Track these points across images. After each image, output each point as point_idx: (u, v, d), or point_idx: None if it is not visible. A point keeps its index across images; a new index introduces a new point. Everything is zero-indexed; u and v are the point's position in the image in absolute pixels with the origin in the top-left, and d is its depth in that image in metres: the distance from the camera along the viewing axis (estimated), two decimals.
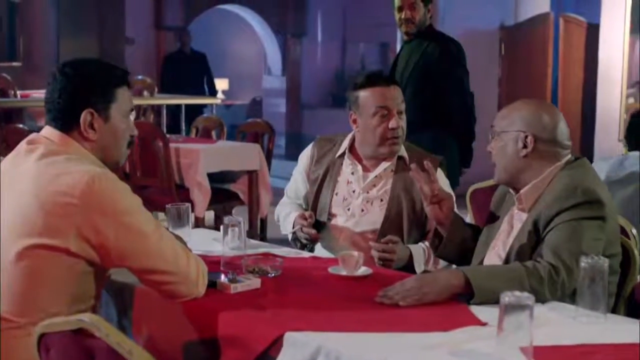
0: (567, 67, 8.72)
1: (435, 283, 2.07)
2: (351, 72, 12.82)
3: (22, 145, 2.07)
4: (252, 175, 5.81)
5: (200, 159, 5.47)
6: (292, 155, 10.91)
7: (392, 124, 2.84)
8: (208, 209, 5.54)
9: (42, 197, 1.92)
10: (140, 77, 8.51)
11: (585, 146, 8.03)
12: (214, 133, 6.66)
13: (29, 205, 1.93)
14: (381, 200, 2.90)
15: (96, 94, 2.06)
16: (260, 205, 5.94)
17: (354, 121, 2.94)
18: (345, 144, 2.99)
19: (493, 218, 2.52)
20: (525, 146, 2.29)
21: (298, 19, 12.38)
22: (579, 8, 9.28)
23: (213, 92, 9.87)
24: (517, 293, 1.62)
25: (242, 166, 5.82)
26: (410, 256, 2.76)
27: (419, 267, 2.78)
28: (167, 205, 2.56)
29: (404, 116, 2.90)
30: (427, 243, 2.84)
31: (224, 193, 5.82)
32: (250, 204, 5.89)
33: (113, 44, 10.09)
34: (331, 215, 2.94)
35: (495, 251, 2.40)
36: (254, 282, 2.14)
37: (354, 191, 2.93)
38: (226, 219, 2.37)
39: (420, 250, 2.81)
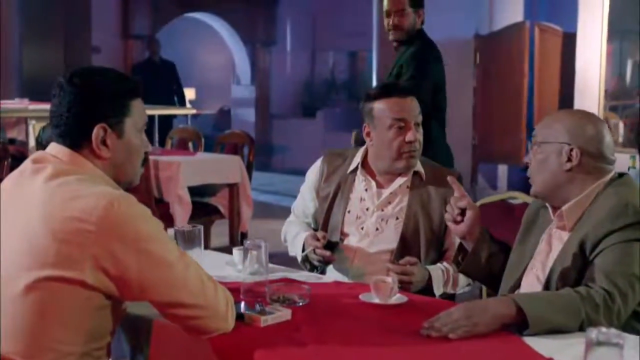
0: (543, 76, 8.67)
1: (484, 312, 1.90)
2: (320, 82, 12.70)
3: (27, 164, 1.86)
4: (233, 189, 5.62)
5: (181, 172, 5.26)
6: (262, 165, 10.75)
7: (409, 137, 2.68)
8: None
9: (53, 224, 1.71)
10: None
11: None
12: (190, 144, 6.44)
13: (39, 232, 1.72)
14: (397, 218, 2.74)
15: (109, 107, 1.86)
16: (241, 219, 5.76)
17: (368, 134, 2.77)
18: (358, 158, 2.82)
19: (526, 236, 2.36)
20: (569, 159, 2.13)
21: (267, 28, 12.22)
22: (554, 17, 9.24)
23: (182, 102, 9.65)
24: (604, 329, 1.45)
25: (223, 179, 5.63)
26: (429, 278, 2.60)
27: (437, 289, 2.62)
28: (175, 227, 2.35)
29: (420, 129, 2.74)
30: (445, 264, 2.69)
31: (203, 207, 5.62)
32: (231, 218, 5.71)
33: (79, 53, 9.79)
34: (343, 235, 2.76)
35: (534, 273, 2.24)
36: (285, 314, 1.95)
37: (367, 209, 2.76)
38: (247, 243, 2.17)
39: (439, 272, 2.65)
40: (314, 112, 11.87)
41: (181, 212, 5.24)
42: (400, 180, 2.76)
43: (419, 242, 2.71)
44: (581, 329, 1.91)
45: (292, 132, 11.78)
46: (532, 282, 2.23)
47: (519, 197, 3.37)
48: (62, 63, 9.78)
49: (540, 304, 1.92)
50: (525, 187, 8.49)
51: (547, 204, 2.27)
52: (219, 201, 5.73)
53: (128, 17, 10.52)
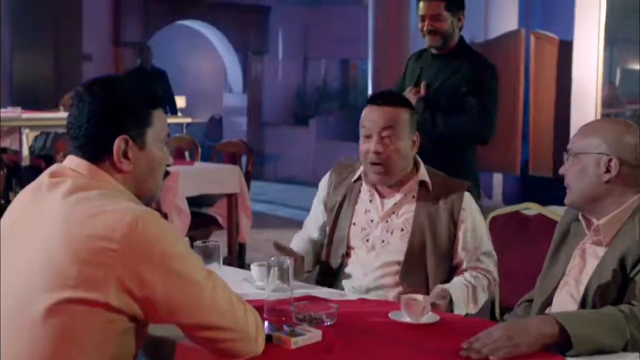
0: (539, 84, 8.61)
1: (526, 333, 1.81)
2: (313, 89, 12.62)
3: (44, 178, 1.75)
4: (231, 199, 5.52)
5: (179, 182, 5.16)
6: (254, 174, 10.63)
7: (369, 147, 2.57)
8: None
9: (74, 243, 1.61)
10: None
11: (559, 166, 7.89)
12: (187, 154, 6.34)
13: (59, 251, 1.61)
14: (402, 229, 2.62)
15: (131, 118, 1.76)
16: (240, 230, 5.65)
17: None
18: (362, 167, 2.73)
19: (557, 251, 2.27)
20: (608, 170, 2.05)
21: (259, 36, 12.14)
22: (549, 25, 9.20)
23: (174, 111, 9.55)
24: None
25: (221, 189, 5.54)
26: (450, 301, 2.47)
27: (460, 310, 2.47)
28: (195, 243, 2.26)
29: (391, 142, 2.57)
30: (467, 277, 2.57)
31: (201, 217, 5.52)
32: (229, 228, 5.61)
33: (70, 61, 9.68)
34: (349, 249, 2.66)
35: (567, 290, 2.16)
36: (315, 335, 1.85)
37: (372, 220, 2.65)
38: (271, 259, 2.08)
39: (459, 291, 2.49)
40: (306, 120, 11.78)
41: (179, 223, 5.13)
42: (404, 190, 2.65)
43: (425, 254, 2.60)
44: (625, 349, 1.83)
45: (285, 141, 11.69)
46: (565, 300, 2.15)
47: (533, 208, 3.29)
48: (52, 71, 9.67)
49: (584, 323, 1.84)
50: (519, 196, 8.52)
51: (579, 218, 2.19)
52: (217, 212, 5.64)
53: (119, 25, 10.41)
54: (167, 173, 1.87)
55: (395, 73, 8.18)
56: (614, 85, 8.59)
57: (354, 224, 2.67)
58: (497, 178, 9.19)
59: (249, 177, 5.81)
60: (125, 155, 1.75)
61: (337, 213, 2.72)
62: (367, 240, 2.64)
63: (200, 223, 5.47)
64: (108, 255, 1.59)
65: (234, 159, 5.95)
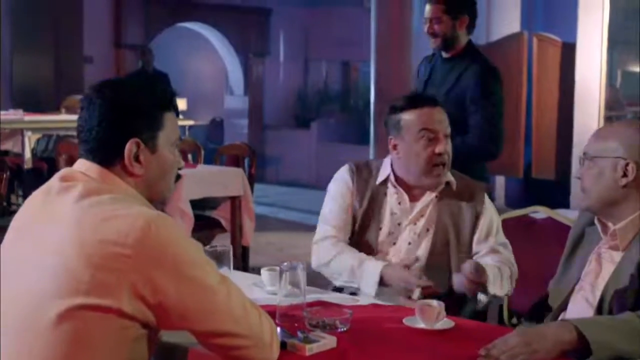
0: (542, 87, 8.58)
1: (544, 339, 1.78)
2: (314, 92, 12.59)
3: (54, 182, 1.72)
4: (235, 202, 5.49)
5: (183, 184, 5.12)
6: (256, 176, 10.60)
7: (439, 148, 2.57)
8: None
9: (86, 248, 1.57)
10: None
11: (562, 169, 7.89)
12: (190, 156, 6.31)
13: (71, 256, 1.58)
14: (427, 230, 2.63)
15: (142, 121, 1.73)
16: (243, 233, 5.62)
17: (394, 147, 2.65)
18: (387, 170, 2.69)
19: (571, 256, 2.25)
20: (625, 175, 2.02)
21: (260, 38, 12.12)
22: (551, 27, 9.17)
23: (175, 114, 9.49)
24: None
25: (225, 192, 5.50)
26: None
27: (493, 288, 2.46)
28: (205, 247, 2.22)
29: (449, 141, 2.63)
30: (493, 260, 2.56)
31: (204, 220, 5.49)
32: (233, 231, 5.57)
33: (70, 63, 9.64)
34: (375, 253, 2.63)
35: (582, 295, 2.13)
36: (330, 341, 1.82)
37: (399, 224, 2.64)
38: (284, 265, 2.04)
39: (490, 269, 2.45)
40: (307, 122, 11.76)
41: (183, 226, 5.09)
42: (432, 193, 2.66)
43: (448, 253, 2.61)
44: None
45: (286, 143, 11.66)
46: (580, 305, 2.12)
47: (541, 212, 3.27)
48: (53, 73, 9.64)
49: (602, 329, 1.81)
50: (522, 198, 8.47)
51: (595, 222, 2.16)
52: (221, 214, 5.60)
53: (120, 27, 10.40)
54: (178, 176, 1.84)
55: (397, 75, 8.17)
56: (615, 88, 8.57)
57: (381, 228, 2.66)
58: (500, 181, 9.16)
59: (252, 179, 5.78)
60: (136, 158, 1.72)
61: (364, 218, 2.68)
62: (394, 244, 2.63)
63: (204, 226, 5.44)
64: (121, 261, 1.57)
65: (237, 162, 5.93)
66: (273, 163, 11.49)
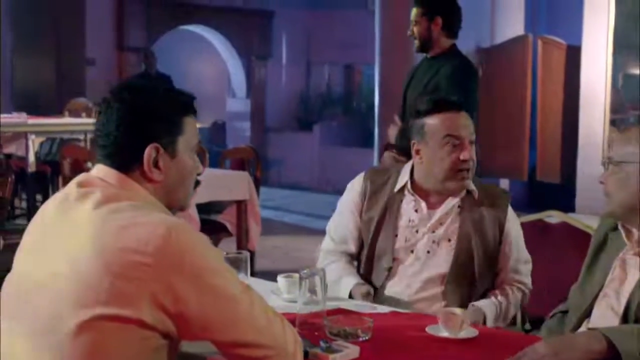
0: (547, 90, 8.55)
1: (573, 349, 1.74)
2: (316, 94, 12.55)
3: (71, 187, 1.68)
4: (241, 206, 5.44)
5: None
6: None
7: (463, 155, 2.52)
8: None
9: (106, 256, 1.53)
10: None
11: (567, 172, 7.85)
12: None
13: (90, 265, 1.53)
14: (449, 240, 2.57)
15: (162, 125, 1.68)
16: (249, 237, 5.58)
17: (417, 152, 2.60)
18: (405, 176, 2.65)
19: (594, 262, 2.20)
20: None
21: (263, 40, 12.08)
22: (555, 30, 9.15)
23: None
24: None
25: (230, 196, 5.46)
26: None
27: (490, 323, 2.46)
28: (223, 254, 2.18)
29: (474, 147, 2.59)
30: (500, 297, 2.54)
31: (210, 224, 5.44)
32: (239, 235, 5.53)
33: (72, 65, 9.58)
34: (394, 261, 2.58)
35: (607, 302, 2.09)
36: (353, 351, 1.78)
37: (417, 231, 2.59)
38: (303, 272, 2.00)
39: (492, 308, 2.49)
40: (310, 125, 11.71)
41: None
42: (452, 200, 2.60)
43: (473, 264, 2.56)
44: None
45: (288, 146, 11.62)
46: (605, 313, 2.08)
47: (555, 216, 3.23)
48: (54, 75, 9.59)
49: (633, 338, 1.76)
50: (527, 202, 8.43)
51: (619, 228, 2.12)
52: (227, 218, 5.57)
53: (122, 29, 10.36)
54: (197, 182, 1.80)
55: (402, 78, 8.11)
56: (618, 91, 8.54)
57: (396, 235, 2.61)
58: (504, 184, 9.12)
59: (257, 183, 5.73)
60: (155, 164, 1.67)
61: (377, 226, 2.63)
62: (412, 252, 2.58)
63: (210, 230, 5.38)
64: (141, 270, 1.52)
65: (242, 165, 5.88)
66: (275, 166, 11.44)
